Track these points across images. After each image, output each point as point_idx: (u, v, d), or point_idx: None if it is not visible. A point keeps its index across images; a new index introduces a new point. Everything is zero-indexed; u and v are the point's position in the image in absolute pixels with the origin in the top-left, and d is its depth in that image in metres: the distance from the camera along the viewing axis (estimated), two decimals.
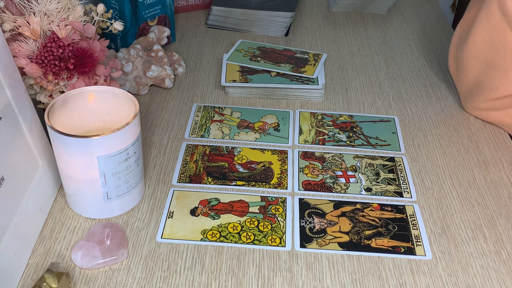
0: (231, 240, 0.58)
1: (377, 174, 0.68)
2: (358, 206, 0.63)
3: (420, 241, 0.59)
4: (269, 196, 0.64)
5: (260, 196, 0.64)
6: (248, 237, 0.59)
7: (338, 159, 0.70)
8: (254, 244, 0.58)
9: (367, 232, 0.60)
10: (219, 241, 0.58)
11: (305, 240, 0.59)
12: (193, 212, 0.62)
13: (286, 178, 0.67)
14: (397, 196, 0.65)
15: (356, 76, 0.88)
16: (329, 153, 0.71)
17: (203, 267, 0.56)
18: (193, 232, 0.59)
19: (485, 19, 0.69)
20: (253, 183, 0.66)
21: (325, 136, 0.74)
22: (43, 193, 0.60)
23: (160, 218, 0.61)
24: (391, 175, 0.68)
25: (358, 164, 0.69)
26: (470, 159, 0.71)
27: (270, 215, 0.62)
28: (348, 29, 1.01)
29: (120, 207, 0.60)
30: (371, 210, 0.63)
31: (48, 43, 0.59)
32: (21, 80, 0.57)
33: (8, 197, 0.53)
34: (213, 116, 0.77)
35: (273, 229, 0.60)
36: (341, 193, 0.65)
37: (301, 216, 0.62)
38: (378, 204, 0.64)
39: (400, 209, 0.63)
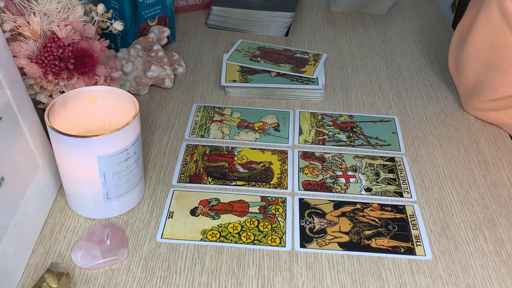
0: (231, 240, 0.58)
1: (377, 174, 0.68)
2: (358, 206, 0.63)
3: (420, 241, 0.59)
4: (269, 196, 0.64)
5: (260, 196, 0.64)
6: (248, 237, 0.59)
7: (338, 159, 0.70)
8: (254, 244, 0.58)
9: (367, 232, 0.60)
10: (219, 241, 0.58)
11: (305, 240, 0.59)
12: (193, 212, 0.62)
13: (286, 178, 0.67)
14: (397, 196, 0.65)
15: (356, 76, 0.88)
16: (329, 153, 0.71)
17: (203, 267, 0.56)
18: (193, 232, 0.59)
19: (485, 20, 0.69)
20: (253, 183, 0.66)
21: (325, 136, 0.74)
22: (43, 193, 0.60)
23: (160, 218, 0.61)
24: (391, 175, 0.68)
25: (358, 164, 0.69)
26: (470, 159, 0.71)
27: (270, 215, 0.62)
28: (348, 29, 1.01)
29: (120, 207, 0.60)
30: (371, 210, 0.63)
31: (48, 43, 0.59)
32: (21, 80, 0.57)
33: (8, 197, 0.53)
34: (213, 116, 0.77)
35: (273, 229, 0.60)
36: (341, 193, 0.65)
37: (301, 216, 0.62)
38: (378, 204, 0.64)
39: (400, 209, 0.63)
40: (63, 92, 0.63)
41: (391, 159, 0.70)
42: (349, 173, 0.68)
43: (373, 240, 0.59)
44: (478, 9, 0.71)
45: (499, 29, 0.67)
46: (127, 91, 0.65)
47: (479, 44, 0.71)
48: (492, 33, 0.68)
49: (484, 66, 0.72)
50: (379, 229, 0.60)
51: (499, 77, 0.70)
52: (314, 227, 0.60)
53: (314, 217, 0.61)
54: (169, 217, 0.61)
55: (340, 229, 0.60)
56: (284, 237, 0.59)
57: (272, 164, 0.69)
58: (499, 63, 0.69)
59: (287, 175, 0.67)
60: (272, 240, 0.59)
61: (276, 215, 0.62)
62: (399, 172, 0.68)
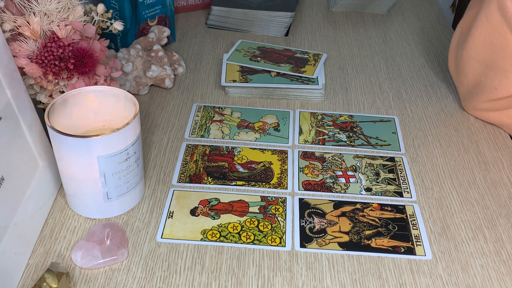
0: (231, 240, 0.58)
1: (377, 174, 0.68)
2: (358, 206, 0.63)
3: (420, 241, 0.59)
4: (269, 196, 0.64)
5: (260, 196, 0.64)
6: (248, 237, 0.59)
7: (338, 159, 0.70)
8: (254, 244, 0.58)
9: (367, 232, 0.60)
10: (219, 241, 0.58)
11: (305, 240, 0.59)
12: (193, 212, 0.62)
13: (286, 178, 0.67)
14: (397, 196, 0.65)
15: (356, 76, 0.88)
16: (329, 153, 0.71)
17: (203, 267, 0.56)
18: (193, 232, 0.59)
19: (485, 20, 0.69)
20: (253, 183, 0.66)
21: (325, 136, 0.74)
22: (43, 193, 0.60)
23: (160, 218, 0.61)
24: (391, 175, 0.68)
25: (358, 164, 0.69)
26: (470, 159, 0.71)
27: (270, 215, 0.62)
28: (348, 29, 1.01)
29: (120, 207, 0.60)
30: (371, 210, 0.63)
31: (48, 43, 0.59)
32: (21, 80, 0.57)
33: (8, 197, 0.53)
34: (213, 116, 0.77)
35: (273, 229, 0.60)
36: (341, 193, 0.65)
37: (301, 216, 0.62)
38: (378, 204, 0.64)
39: (400, 209, 0.63)
40: (63, 92, 0.63)
41: (391, 159, 0.70)
42: (349, 173, 0.68)
43: (373, 240, 0.59)
44: (478, 9, 0.71)
45: (499, 29, 0.67)
46: (127, 91, 0.65)
47: (479, 44, 0.71)
48: (492, 33, 0.68)
49: (484, 66, 0.72)
50: (379, 229, 0.60)
51: (499, 77, 0.70)
52: (314, 227, 0.60)
53: (314, 217, 0.61)
54: (169, 217, 0.61)
55: (340, 229, 0.60)
56: (284, 237, 0.59)
57: (272, 164, 0.69)
58: (499, 63, 0.69)
59: (287, 175, 0.67)
60: (272, 240, 0.59)
61: (276, 215, 0.62)
62: (399, 172, 0.68)
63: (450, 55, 0.79)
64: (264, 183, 0.66)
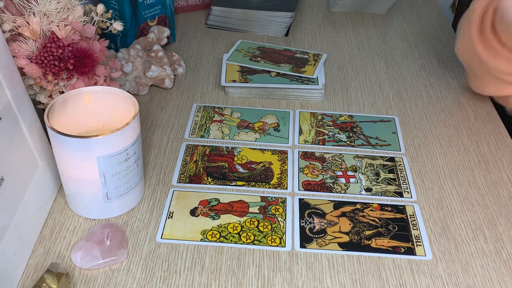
0: (231, 240, 0.58)
1: (377, 174, 0.68)
2: (358, 206, 0.63)
3: (420, 241, 0.59)
4: (269, 196, 0.64)
5: (260, 196, 0.64)
6: (248, 237, 0.59)
7: (338, 159, 0.70)
8: (254, 244, 0.58)
9: (367, 232, 0.60)
10: (219, 241, 0.58)
11: (305, 240, 0.59)
12: (193, 212, 0.62)
13: (286, 178, 0.67)
14: (397, 196, 0.65)
15: (356, 76, 0.88)
16: (329, 153, 0.71)
17: (203, 267, 0.56)
18: (193, 232, 0.59)
19: (466, 24, 0.73)
20: (253, 183, 0.66)
21: (325, 136, 0.74)
22: (43, 193, 0.60)
23: (160, 218, 0.61)
24: (391, 175, 0.68)
25: (358, 164, 0.69)
26: (470, 159, 0.71)
27: (270, 215, 0.61)
28: (348, 29, 1.01)
29: (120, 207, 0.60)
30: (371, 210, 0.63)
31: (48, 44, 0.59)
32: (21, 80, 0.57)
33: (8, 197, 0.53)
34: (213, 116, 0.77)
35: (273, 229, 0.60)
36: (341, 193, 0.65)
37: (301, 216, 0.62)
38: (378, 204, 0.64)
39: (400, 209, 0.63)
40: (62, 92, 0.63)
41: (391, 159, 0.70)
42: (349, 173, 0.68)
43: (373, 240, 0.59)
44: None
45: (471, 39, 0.70)
46: (127, 91, 0.65)
47: (463, 46, 0.75)
48: (469, 39, 0.72)
49: (470, 66, 0.76)
50: (379, 229, 0.60)
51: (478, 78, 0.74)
52: (314, 227, 0.60)
53: (314, 217, 0.61)
54: (169, 217, 0.61)
55: (340, 229, 0.60)
56: (284, 237, 0.59)
57: (272, 164, 0.69)
58: (476, 67, 0.72)
59: (287, 175, 0.67)
60: (272, 240, 0.59)
61: (276, 215, 0.62)
62: (399, 172, 0.68)
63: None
64: (264, 183, 0.66)
